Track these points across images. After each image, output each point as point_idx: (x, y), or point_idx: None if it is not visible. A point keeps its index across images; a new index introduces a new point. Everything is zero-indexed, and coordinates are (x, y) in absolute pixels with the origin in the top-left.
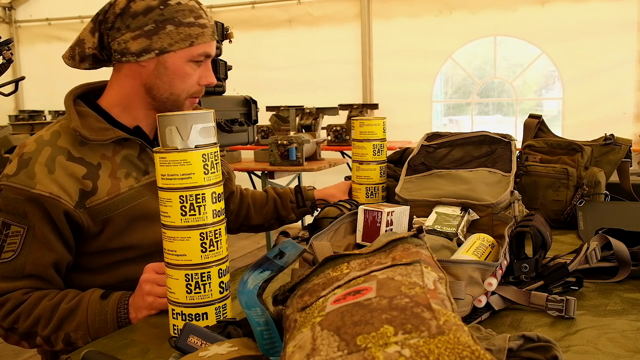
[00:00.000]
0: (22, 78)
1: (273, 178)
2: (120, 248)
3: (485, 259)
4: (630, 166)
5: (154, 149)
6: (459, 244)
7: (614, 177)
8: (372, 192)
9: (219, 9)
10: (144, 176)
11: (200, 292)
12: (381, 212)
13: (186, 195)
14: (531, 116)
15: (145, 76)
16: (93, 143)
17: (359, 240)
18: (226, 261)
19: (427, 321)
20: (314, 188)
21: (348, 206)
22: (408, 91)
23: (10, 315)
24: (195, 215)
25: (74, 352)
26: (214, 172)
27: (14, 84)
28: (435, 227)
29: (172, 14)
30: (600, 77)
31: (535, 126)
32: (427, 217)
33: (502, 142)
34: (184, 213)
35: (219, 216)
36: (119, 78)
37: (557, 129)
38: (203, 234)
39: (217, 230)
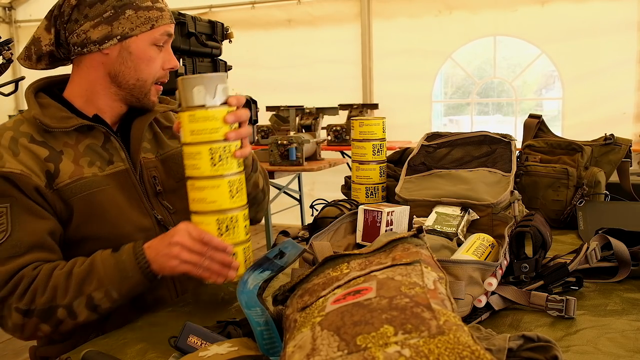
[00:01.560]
0: (22, 78)
1: (273, 178)
2: (86, 238)
3: (485, 259)
4: (630, 166)
5: (178, 109)
6: (459, 244)
7: (614, 177)
8: (372, 192)
9: (219, 9)
10: (108, 166)
11: (230, 234)
12: (381, 212)
13: (215, 147)
14: (531, 116)
15: (109, 65)
16: (55, 131)
17: (359, 240)
18: (247, 207)
19: (427, 321)
20: None
21: (348, 206)
22: (408, 91)
23: (26, 295)
24: (223, 165)
25: (73, 351)
26: (235, 127)
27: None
28: (435, 227)
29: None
30: (600, 77)
31: (535, 126)
32: (427, 217)
33: (502, 142)
34: (213, 164)
35: (240, 167)
36: (81, 71)
37: (557, 129)
38: (230, 181)
39: (240, 178)
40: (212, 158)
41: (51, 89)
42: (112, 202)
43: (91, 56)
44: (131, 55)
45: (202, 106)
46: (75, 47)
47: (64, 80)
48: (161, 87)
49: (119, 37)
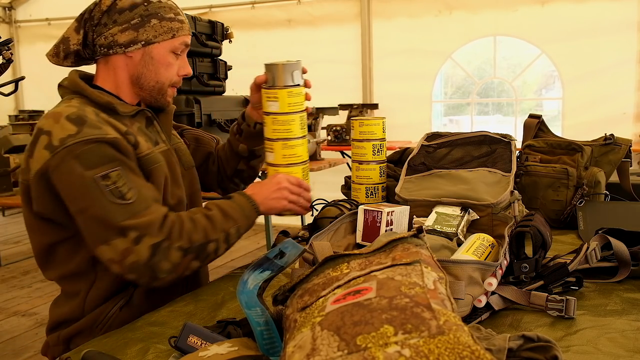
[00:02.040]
0: (22, 78)
1: None
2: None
3: (485, 259)
4: (630, 166)
5: (275, 86)
6: (459, 244)
7: (614, 177)
8: (372, 192)
9: (219, 9)
10: (155, 146)
11: (307, 179)
12: (381, 212)
13: (302, 116)
14: (531, 116)
15: (132, 66)
16: (122, 115)
17: (359, 240)
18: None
19: (427, 321)
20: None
21: (348, 206)
22: (408, 91)
23: (183, 235)
24: (304, 129)
25: (73, 351)
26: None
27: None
28: (435, 227)
29: (156, 10)
30: (600, 77)
31: (535, 126)
32: (427, 217)
33: (502, 142)
34: (302, 127)
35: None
36: (107, 70)
37: (557, 129)
38: (306, 141)
39: (306, 135)
40: (301, 123)
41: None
42: (165, 176)
43: (116, 57)
44: (153, 59)
45: (297, 85)
46: (102, 48)
47: (90, 76)
48: (175, 90)
49: (143, 42)
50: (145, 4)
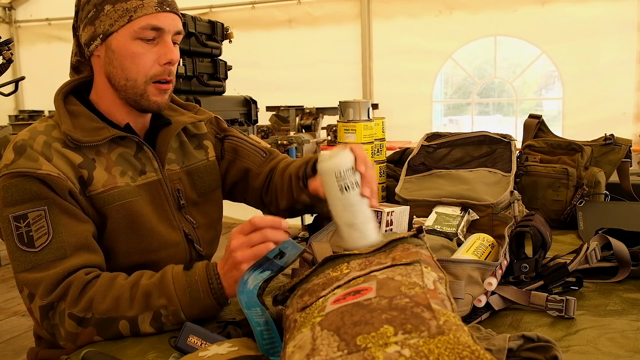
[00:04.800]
0: (22, 78)
1: None
2: (112, 251)
3: (485, 259)
4: (630, 166)
5: (353, 119)
6: (459, 244)
7: (614, 177)
8: None
9: (219, 9)
10: (140, 176)
11: None
12: (381, 212)
13: (372, 146)
14: (531, 116)
15: (103, 66)
16: (86, 146)
17: None
18: None
19: (427, 321)
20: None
21: None
22: (408, 91)
23: (82, 300)
24: (373, 156)
25: (73, 352)
26: None
27: (14, 84)
28: (435, 227)
29: None
30: (600, 77)
31: (535, 126)
32: (427, 217)
33: (502, 142)
34: (372, 155)
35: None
36: (95, 76)
37: (557, 129)
38: (377, 167)
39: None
40: (372, 152)
41: (80, 92)
42: (143, 215)
43: (92, 61)
44: (114, 53)
45: (370, 120)
46: (78, 54)
47: (90, 81)
48: (165, 86)
49: (101, 37)
50: None
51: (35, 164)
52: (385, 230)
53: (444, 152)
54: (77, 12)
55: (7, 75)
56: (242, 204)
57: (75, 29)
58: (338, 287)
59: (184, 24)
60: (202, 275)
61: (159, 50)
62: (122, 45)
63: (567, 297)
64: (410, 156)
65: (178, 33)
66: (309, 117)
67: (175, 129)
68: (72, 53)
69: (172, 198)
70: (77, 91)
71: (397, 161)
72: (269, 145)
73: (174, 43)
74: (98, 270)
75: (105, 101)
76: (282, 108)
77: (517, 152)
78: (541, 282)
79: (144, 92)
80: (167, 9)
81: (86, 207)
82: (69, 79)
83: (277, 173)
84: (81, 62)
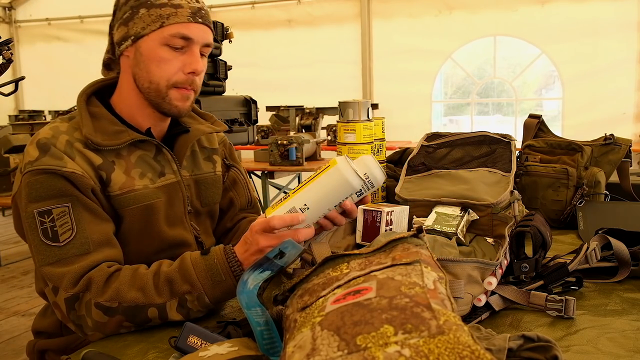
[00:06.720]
0: (22, 78)
1: (273, 178)
2: (127, 251)
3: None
4: (630, 166)
5: (342, 119)
6: (459, 243)
7: (614, 177)
8: None
9: (219, 9)
10: (160, 178)
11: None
12: (381, 212)
13: (371, 146)
14: (531, 116)
15: (130, 67)
16: (106, 149)
17: (358, 240)
18: None
19: (427, 321)
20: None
21: None
22: (408, 91)
23: (108, 290)
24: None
25: (74, 353)
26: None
27: (14, 84)
28: (435, 226)
29: None
30: (600, 77)
31: (535, 126)
32: (427, 217)
33: (501, 142)
34: (373, 154)
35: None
36: (121, 75)
37: (557, 129)
38: None
39: None
40: (371, 152)
41: (103, 93)
42: (159, 217)
43: (121, 59)
44: (142, 56)
45: (370, 120)
46: (110, 52)
47: (114, 83)
48: (188, 92)
49: (132, 38)
50: None
51: (61, 162)
52: (385, 230)
53: (443, 152)
54: (114, 12)
55: (7, 75)
56: None
57: (111, 27)
58: (338, 287)
59: None
60: (220, 257)
61: (185, 59)
62: (151, 49)
63: (567, 297)
64: (410, 156)
65: (207, 45)
66: (309, 117)
67: (195, 135)
68: (105, 50)
69: (187, 201)
70: (99, 93)
71: (397, 161)
72: (257, 197)
73: (202, 55)
74: (118, 264)
75: (129, 102)
76: (282, 108)
77: (517, 152)
78: (541, 282)
79: (165, 95)
80: (200, 20)
81: (106, 205)
82: (100, 77)
83: (244, 224)
84: (112, 60)
